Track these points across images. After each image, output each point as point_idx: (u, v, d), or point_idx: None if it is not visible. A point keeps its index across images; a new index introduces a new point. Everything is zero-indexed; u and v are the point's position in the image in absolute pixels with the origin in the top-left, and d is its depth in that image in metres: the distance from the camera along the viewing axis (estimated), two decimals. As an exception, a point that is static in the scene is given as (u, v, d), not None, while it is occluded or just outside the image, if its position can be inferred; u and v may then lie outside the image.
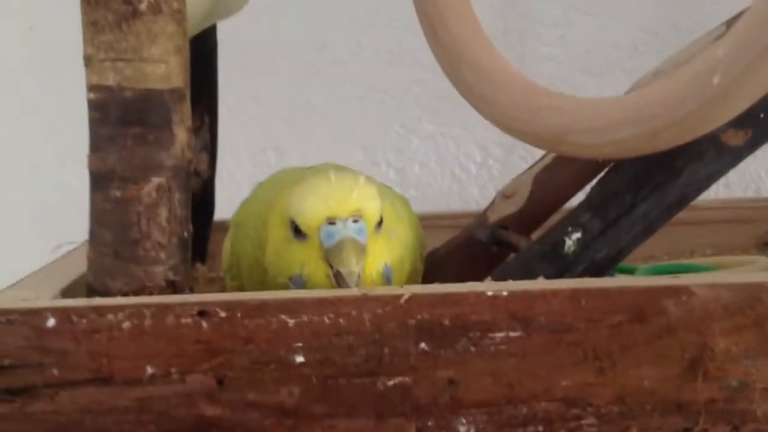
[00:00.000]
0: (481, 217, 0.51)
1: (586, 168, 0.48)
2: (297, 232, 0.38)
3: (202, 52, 0.60)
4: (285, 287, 0.39)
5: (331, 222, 0.37)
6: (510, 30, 0.83)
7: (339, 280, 0.37)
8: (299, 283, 0.38)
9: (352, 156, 0.82)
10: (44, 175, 0.82)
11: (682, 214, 0.67)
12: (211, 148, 0.63)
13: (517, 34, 0.82)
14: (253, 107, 0.84)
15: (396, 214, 0.42)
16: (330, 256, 0.37)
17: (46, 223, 0.80)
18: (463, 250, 0.51)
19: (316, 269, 0.38)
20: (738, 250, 0.67)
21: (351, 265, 0.37)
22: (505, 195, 0.50)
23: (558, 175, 0.49)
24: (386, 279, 0.39)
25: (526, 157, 0.80)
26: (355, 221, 0.37)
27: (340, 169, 0.41)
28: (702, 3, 0.80)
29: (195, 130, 0.60)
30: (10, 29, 0.81)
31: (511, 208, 0.50)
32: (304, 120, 0.83)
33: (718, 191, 0.83)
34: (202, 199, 0.62)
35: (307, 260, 0.38)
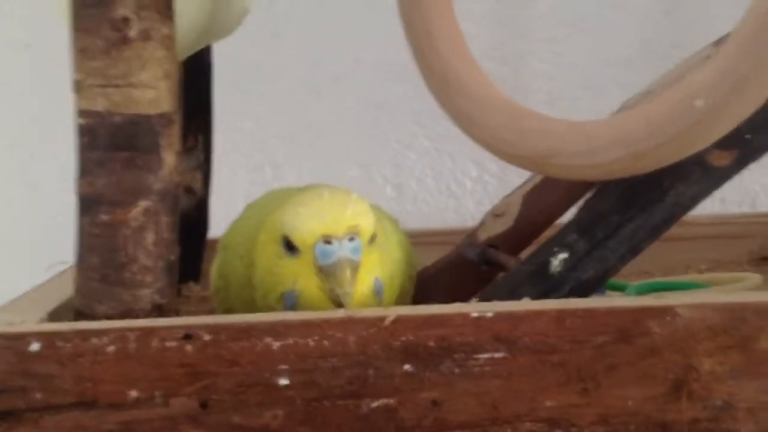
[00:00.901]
0: (471, 236, 0.51)
1: (576, 187, 0.48)
2: (289, 247, 0.38)
3: (197, 71, 0.60)
4: (276, 304, 0.39)
5: (327, 241, 0.37)
6: (505, 46, 0.83)
7: (333, 297, 0.37)
8: (291, 298, 0.38)
9: (349, 172, 0.82)
10: (43, 194, 0.82)
11: (675, 230, 0.67)
12: (205, 166, 0.63)
13: (512, 50, 0.83)
14: (250, 124, 0.84)
15: (384, 232, 0.42)
16: (325, 274, 0.37)
17: (45, 243, 0.80)
18: (453, 269, 0.51)
19: (309, 284, 0.38)
20: (732, 266, 0.67)
21: (347, 286, 0.37)
22: (495, 214, 0.50)
23: (547, 195, 0.49)
24: (377, 293, 0.39)
25: (522, 174, 0.79)
26: (351, 239, 0.37)
27: (330, 187, 0.41)
28: (697, 19, 0.80)
29: (189, 149, 0.61)
30: (6, 46, 0.81)
31: (501, 227, 0.50)
32: (301, 137, 0.83)
33: (713, 206, 0.83)
34: (195, 217, 0.63)
35: (299, 276, 0.38)
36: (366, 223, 0.38)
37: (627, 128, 0.36)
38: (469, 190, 0.86)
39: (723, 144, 0.41)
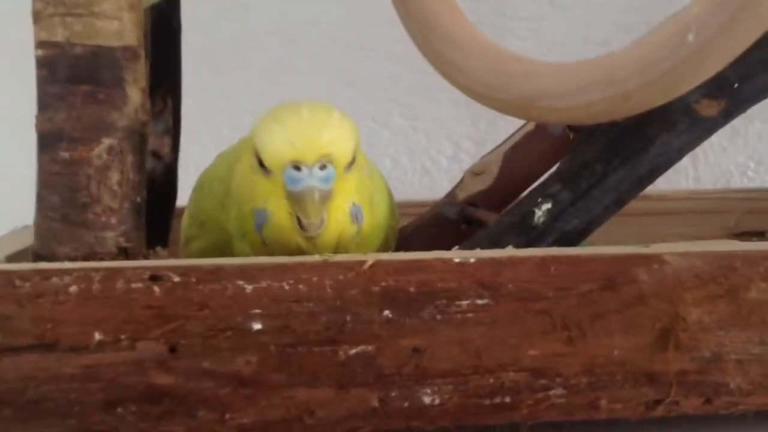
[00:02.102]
0: (450, 195, 0.50)
1: (556, 146, 0.47)
2: (261, 165, 0.36)
3: (166, 32, 0.58)
4: (248, 219, 0.37)
5: (296, 167, 0.35)
6: (483, 23, 0.81)
7: (300, 224, 0.36)
8: (262, 216, 0.36)
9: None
10: (8, 169, 0.79)
11: (652, 205, 0.66)
12: (174, 131, 0.61)
13: (490, 27, 0.81)
14: (221, 100, 0.82)
15: (369, 164, 0.40)
16: (291, 200, 0.36)
17: (10, 219, 0.78)
18: (432, 228, 0.49)
19: (279, 207, 0.36)
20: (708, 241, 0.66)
21: (311, 216, 0.35)
22: (474, 172, 0.49)
23: (528, 153, 0.48)
24: (354, 218, 0.37)
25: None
26: (323, 167, 0.35)
27: (312, 104, 0.38)
28: (674, -2, 0.80)
29: (157, 113, 0.59)
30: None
31: (480, 185, 0.49)
32: (274, 113, 0.81)
33: (688, 184, 0.83)
34: (164, 183, 0.60)
35: (270, 196, 0.36)
36: (342, 150, 0.36)
37: (615, 66, 0.35)
38: (445, 169, 0.86)
39: (711, 93, 0.41)
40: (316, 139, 0.35)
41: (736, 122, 0.82)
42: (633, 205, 0.63)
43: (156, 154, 0.60)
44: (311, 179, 0.35)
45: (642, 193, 0.66)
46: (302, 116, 0.36)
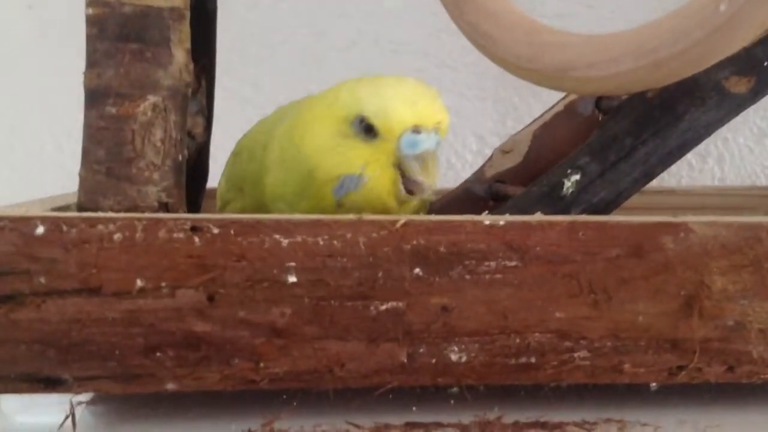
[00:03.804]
0: (479, 172, 0.51)
1: (585, 125, 0.48)
2: (367, 130, 0.37)
3: (202, 14, 0.59)
4: (323, 186, 0.38)
5: (417, 131, 0.37)
6: (511, 20, 0.82)
7: (412, 187, 0.37)
8: (352, 183, 0.37)
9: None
10: (40, 156, 0.81)
11: (678, 199, 0.67)
12: (207, 112, 0.62)
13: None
14: (251, 92, 0.83)
15: None
16: (408, 164, 0.37)
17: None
18: (460, 203, 0.50)
19: (383, 173, 0.37)
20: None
21: (431, 178, 0.37)
22: (503, 150, 0.50)
23: (557, 132, 0.49)
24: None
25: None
26: (437, 133, 0.37)
27: (411, 79, 0.40)
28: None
29: (192, 93, 0.60)
30: (9, 7, 0.80)
31: (509, 162, 0.49)
32: (301, 106, 0.82)
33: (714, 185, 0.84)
34: (196, 163, 0.62)
35: (372, 161, 0.37)
36: (447, 119, 0.38)
37: (647, 37, 0.36)
38: (470, 163, 0.86)
39: (741, 70, 0.41)
40: (433, 106, 0.37)
41: (764, 124, 0.83)
42: (658, 199, 0.64)
43: (189, 134, 0.61)
44: (430, 142, 0.37)
45: (668, 188, 0.67)
46: (414, 86, 0.38)
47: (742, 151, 0.84)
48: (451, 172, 0.85)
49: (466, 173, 0.85)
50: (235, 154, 0.45)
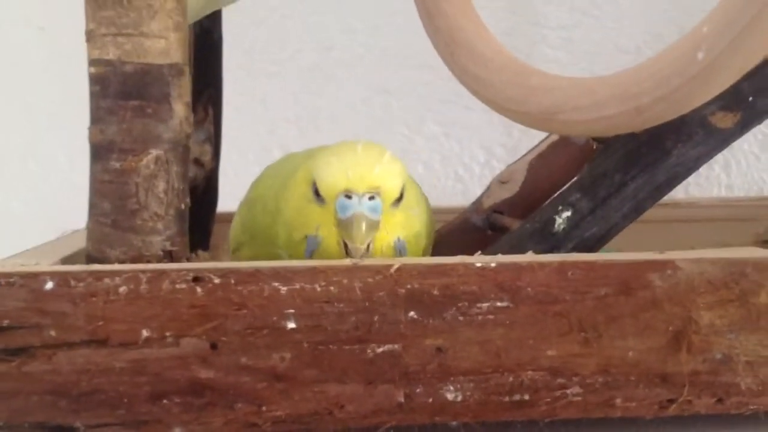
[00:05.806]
0: (477, 202, 0.52)
1: (580, 155, 0.49)
2: (317, 194, 0.39)
3: (208, 44, 0.61)
4: (299, 245, 0.40)
5: (348, 195, 0.38)
6: (516, 32, 0.83)
7: (348, 251, 0.38)
8: (314, 243, 0.39)
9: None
10: (53, 174, 0.83)
11: (682, 212, 0.68)
12: (215, 140, 0.64)
13: (523, 36, 0.83)
14: (260, 108, 0.84)
15: (416, 196, 0.43)
16: (341, 227, 0.38)
17: (54, 223, 0.81)
18: (459, 234, 0.51)
19: (330, 234, 0.39)
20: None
21: (357, 241, 0.38)
22: (500, 181, 0.51)
23: (552, 162, 0.50)
24: (398, 252, 0.40)
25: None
26: (371, 198, 0.38)
27: (368, 143, 0.42)
28: (706, 6, 0.80)
29: (199, 122, 0.62)
30: (21, 29, 0.82)
31: (506, 193, 0.51)
32: (310, 120, 0.83)
33: (720, 192, 0.84)
34: (205, 190, 0.63)
35: (323, 223, 0.39)
36: (391, 185, 0.39)
37: (630, 82, 0.37)
38: (477, 175, 0.87)
39: (726, 106, 0.42)
40: (367, 172, 0.39)
41: (770, 131, 0.83)
42: (663, 212, 0.64)
43: (197, 162, 0.63)
44: (360, 207, 0.38)
45: (672, 201, 0.68)
46: (357, 152, 0.39)
47: (749, 158, 0.85)
48: (459, 185, 0.86)
49: (474, 185, 0.87)
50: (250, 202, 0.46)
